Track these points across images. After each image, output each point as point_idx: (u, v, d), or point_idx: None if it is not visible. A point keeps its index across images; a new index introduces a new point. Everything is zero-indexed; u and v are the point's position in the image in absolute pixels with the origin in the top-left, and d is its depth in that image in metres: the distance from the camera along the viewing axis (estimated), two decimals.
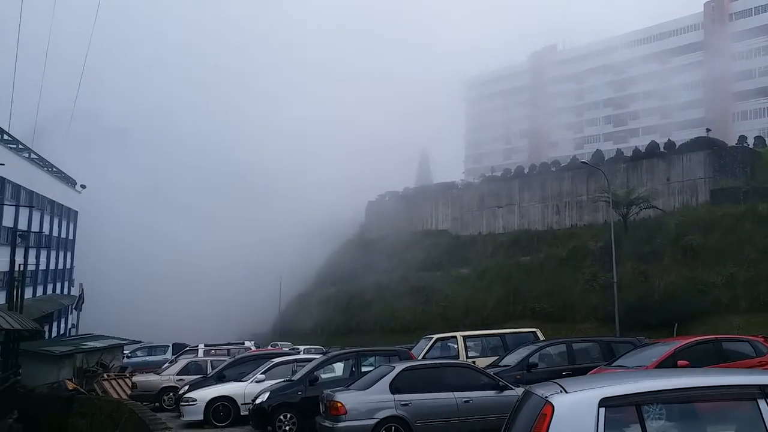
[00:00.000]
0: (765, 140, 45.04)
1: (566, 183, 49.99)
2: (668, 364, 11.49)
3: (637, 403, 4.01)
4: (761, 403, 3.94)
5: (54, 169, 55.93)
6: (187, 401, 15.20)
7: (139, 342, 35.19)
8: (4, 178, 40.09)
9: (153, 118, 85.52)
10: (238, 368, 17.08)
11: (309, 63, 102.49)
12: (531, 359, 14.21)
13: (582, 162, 46.05)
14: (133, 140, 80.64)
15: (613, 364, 12.66)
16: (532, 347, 15.19)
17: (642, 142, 56.33)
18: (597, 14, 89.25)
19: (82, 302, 45.35)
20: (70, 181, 60.16)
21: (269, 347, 31.00)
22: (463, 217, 58.17)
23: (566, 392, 4.15)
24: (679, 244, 37.18)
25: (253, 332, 53.12)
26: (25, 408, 17.48)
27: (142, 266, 64.02)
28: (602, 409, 3.96)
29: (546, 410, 4.05)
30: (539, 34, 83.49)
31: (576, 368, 13.72)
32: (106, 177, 68.10)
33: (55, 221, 53.95)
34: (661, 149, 45.88)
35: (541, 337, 18.35)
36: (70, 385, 20.17)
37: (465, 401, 10.87)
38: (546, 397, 4.16)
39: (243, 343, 29.22)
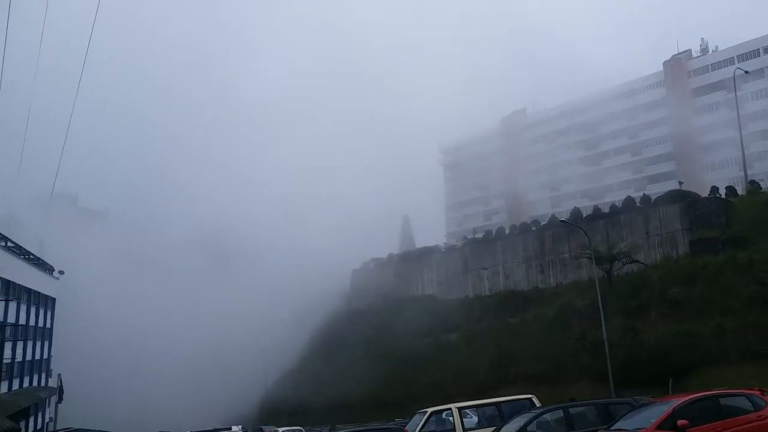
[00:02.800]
0: (736, 190, 46.12)
1: (547, 242, 50.38)
2: (668, 424, 11.29)
3: None
4: None
5: (31, 257, 55.02)
6: None
7: None
8: None
9: (130, 198, 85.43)
10: None
11: (290, 134, 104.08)
12: (529, 428, 13.84)
13: (561, 220, 46.63)
14: (111, 221, 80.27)
15: (613, 428, 12.37)
16: (529, 415, 14.82)
17: (618, 197, 57.44)
18: (564, 74, 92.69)
19: (62, 393, 43.63)
20: (47, 268, 59.09)
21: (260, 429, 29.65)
22: (448, 281, 58.00)
23: None
24: (664, 297, 37.30)
25: (240, 413, 51.34)
26: None
27: (123, 352, 62.27)
28: None
29: None
30: (509, 98, 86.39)
31: None
32: (85, 260, 67.13)
33: (32, 310, 52.51)
34: (637, 203, 46.72)
35: (538, 404, 17.94)
36: None
37: None
38: None
39: (230, 429, 28.12)
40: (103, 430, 30.44)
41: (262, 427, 33.62)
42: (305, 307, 63.91)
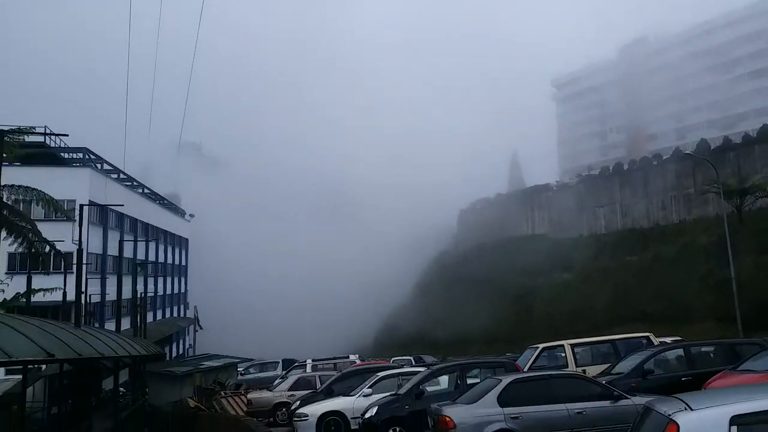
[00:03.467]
0: None
1: (670, 176, 47.23)
2: None
3: None
4: None
5: (165, 201, 60.06)
6: (300, 416, 15.66)
7: (251, 360, 36.72)
8: (123, 215, 43.57)
9: (251, 147, 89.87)
10: (346, 382, 17.42)
11: (398, 73, 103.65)
12: (646, 365, 13.44)
13: (686, 153, 43.34)
14: (233, 169, 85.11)
15: (739, 369, 11.76)
16: (647, 352, 14.36)
17: (752, 126, 52.17)
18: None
19: (198, 322, 48.25)
20: (179, 212, 64.37)
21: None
22: (560, 220, 56.36)
23: (692, 409, 3.90)
24: None
25: (356, 346, 54.10)
26: (154, 425, 18.73)
27: (250, 288, 67.21)
28: (734, 428, 3.67)
29: (670, 429, 3.83)
30: (628, 25, 79.83)
31: (697, 373, 12.86)
32: (212, 205, 72.32)
33: (169, 249, 57.84)
34: None
35: (655, 342, 17.34)
36: (192, 403, 21.42)
37: (578, 412, 10.49)
38: (669, 415, 3.93)
39: (348, 357, 29.80)
40: (235, 356, 33.43)
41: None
42: (414, 246, 65.11)
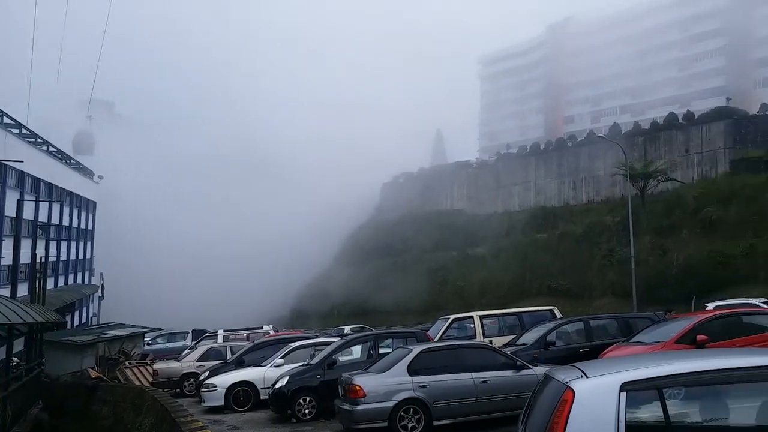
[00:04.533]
0: None
1: (583, 158, 49.41)
2: (687, 339, 11.32)
3: (659, 386, 3.92)
4: None
5: (72, 161, 56.45)
6: (208, 387, 15.36)
7: (159, 329, 35.64)
8: (24, 172, 40.50)
9: (169, 107, 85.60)
10: (258, 353, 17.20)
11: (322, 44, 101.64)
12: (548, 337, 14.09)
13: (598, 136, 45.41)
14: (149, 129, 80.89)
15: (631, 341, 12.51)
16: (549, 325, 15.06)
17: (660, 114, 55.31)
18: None
19: (103, 290, 46.00)
20: (87, 173, 60.72)
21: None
22: (478, 196, 57.86)
23: (587, 377, 4.07)
24: (697, 216, 36.70)
25: (271, 316, 53.61)
26: (50, 397, 17.78)
27: (160, 254, 64.76)
28: (623, 393, 3.88)
29: (567, 396, 3.97)
30: (555, 5, 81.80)
31: (594, 345, 13.60)
32: (125, 167, 68.68)
33: (74, 212, 54.58)
34: (680, 121, 45.08)
35: (559, 315, 18.22)
36: (93, 374, 20.50)
37: (483, 381, 10.83)
38: (567, 382, 4.08)
39: (261, 328, 29.46)
40: (142, 325, 32.24)
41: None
42: (335, 217, 64.91)
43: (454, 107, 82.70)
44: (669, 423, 3.84)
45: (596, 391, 3.92)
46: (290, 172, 71.60)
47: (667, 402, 3.88)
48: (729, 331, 11.78)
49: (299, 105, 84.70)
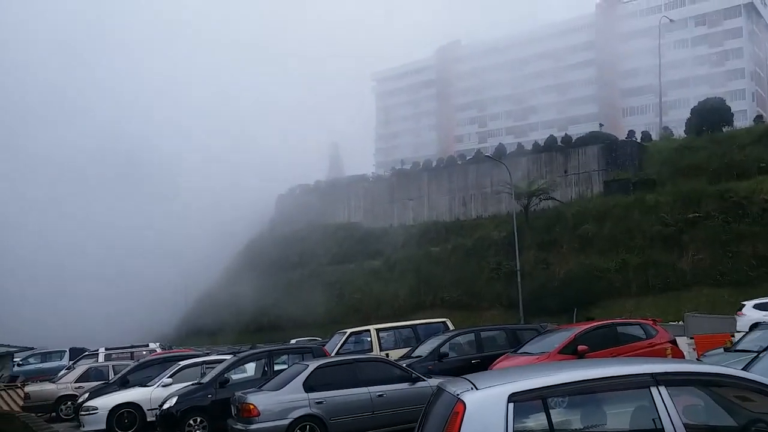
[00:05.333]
0: (651, 134, 48.58)
1: (471, 175, 51.51)
2: (569, 349, 12.17)
3: (543, 396, 4.19)
4: (653, 390, 4.24)
5: None
6: (88, 410, 14.38)
7: (31, 348, 32.82)
8: None
9: (33, 104, 77.87)
10: (144, 372, 16.41)
11: (219, 47, 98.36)
12: (442, 349, 14.57)
13: (486, 156, 47.69)
14: (15, 124, 73.78)
15: (519, 351, 13.23)
16: (443, 337, 15.56)
17: (541, 136, 59.06)
18: (499, 11, 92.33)
19: None
20: None
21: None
22: (374, 210, 58.56)
23: (477, 389, 4.27)
24: (576, 232, 39.39)
25: (158, 333, 50.91)
26: None
27: (32, 267, 59.49)
28: (511, 404, 4.10)
29: (458, 408, 4.14)
30: (446, 27, 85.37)
31: (484, 356, 14.23)
32: None
33: None
34: (559, 143, 48.28)
35: (451, 327, 18.84)
36: None
37: (379, 395, 10.97)
38: (458, 394, 4.26)
39: (147, 345, 27.93)
40: (11, 344, 29.47)
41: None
42: (227, 230, 62.87)
43: (351, 121, 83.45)
44: (553, 431, 4.13)
45: (486, 402, 4.13)
46: (178, 181, 68.25)
47: (551, 411, 4.16)
48: (606, 342, 12.83)
49: (189, 112, 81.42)
